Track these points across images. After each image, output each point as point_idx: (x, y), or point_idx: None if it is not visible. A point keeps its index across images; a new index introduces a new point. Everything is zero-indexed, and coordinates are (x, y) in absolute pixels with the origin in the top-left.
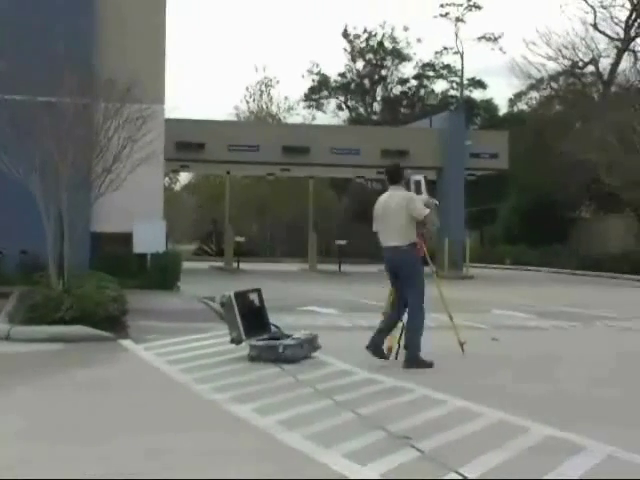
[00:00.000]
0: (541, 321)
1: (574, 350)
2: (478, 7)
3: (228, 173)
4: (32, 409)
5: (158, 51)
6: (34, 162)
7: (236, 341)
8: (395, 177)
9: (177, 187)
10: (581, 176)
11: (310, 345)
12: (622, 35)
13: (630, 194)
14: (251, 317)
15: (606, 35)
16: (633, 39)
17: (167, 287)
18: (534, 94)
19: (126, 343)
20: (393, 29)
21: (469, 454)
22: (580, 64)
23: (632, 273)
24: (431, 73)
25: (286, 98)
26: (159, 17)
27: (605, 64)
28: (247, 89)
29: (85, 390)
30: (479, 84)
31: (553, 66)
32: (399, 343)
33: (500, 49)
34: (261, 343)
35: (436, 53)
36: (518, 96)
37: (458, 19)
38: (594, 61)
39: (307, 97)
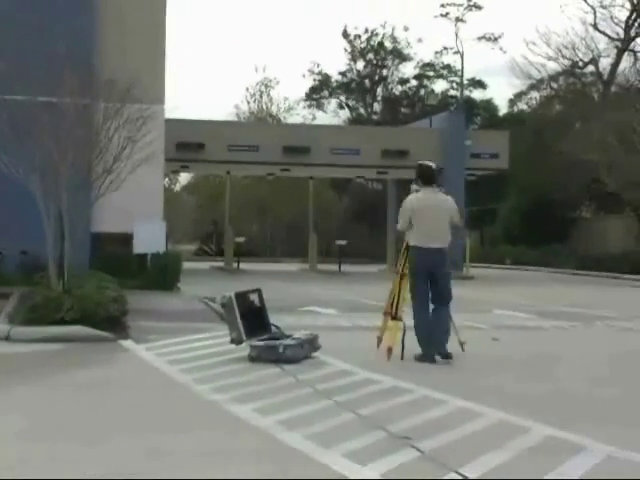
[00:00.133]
0: (541, 321)
1: (574, 350)
2: (478, 7)
3: (228, 173)
4: (32, 409)
5: (158, 51)
6: (34, 162)
7: (236, 341)
8: (432, 178)
9: (177, 187)
10: (581, 176)
11: (310, 345)
12: (622, 35)
13: (630, 194)
14: (251, 317)
15: (606, 35)
16: (633, 39)
17: (167, 287)
18: (534, 94)
19: (126, 343)
20: (393, 29)
21: (469, 454)
22: (580, 64)
23: (632, 273)
24: (431, 73)
25: (286, 98)
26: (159, 17)
27: (605, 64)
28: (247, 89)
29: (85, 390)
30: (479, 84)
31: (553, 66)
32: (403, 344)
33: (500, 49)
34: (261, 343)
35: (436, 53)
36: (518, 96)
37: (458, 19)
38: (594, 61)
39: (308, 97)
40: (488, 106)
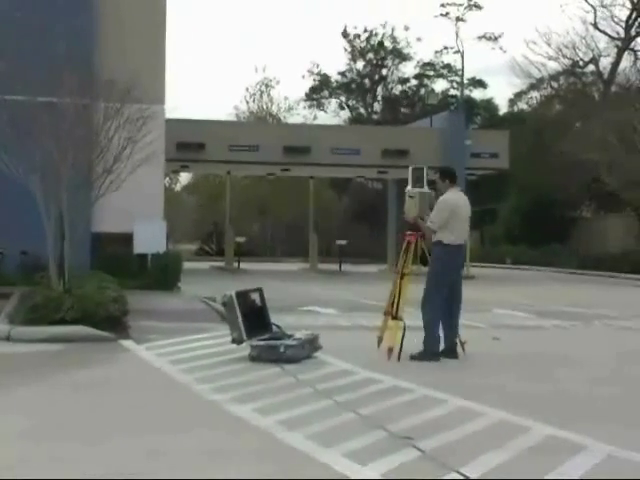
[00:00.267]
0: (542, 320)
1: (574, 349)
2: (478, 7)
3: (228, 173)
4: (32, 409)
5: (158, 51)
6: (34, 162)
7: (237, 341)
8: (454, 178)
9: (177, 187)
10: (581, 176)
11: (311, 345)
12: (622, 34)
13: (630, 194)
14: (252, 317)
15: (606, 34)
16: (633, 38)
17: (168, 287)
18: (534, 94)
19: (127, 343)
20: (393, 29)
21: (470, 454)
22: (580, 63)
23: (632, 273)
24: (431, 73)
25: (286, 98)
26: (159, 17)
27: (605, 63)
28: (247, 89)
29: (86, 390)
30: (479, 83)
31: (553, 65)
32: (401, 344)
33: (500, 48)
34: (262, 343)
35: (436, 52)
36: (518, 96)
37: (458, 19)
38: (594, 60)
39: (308, 97)
40: (488, 106)
